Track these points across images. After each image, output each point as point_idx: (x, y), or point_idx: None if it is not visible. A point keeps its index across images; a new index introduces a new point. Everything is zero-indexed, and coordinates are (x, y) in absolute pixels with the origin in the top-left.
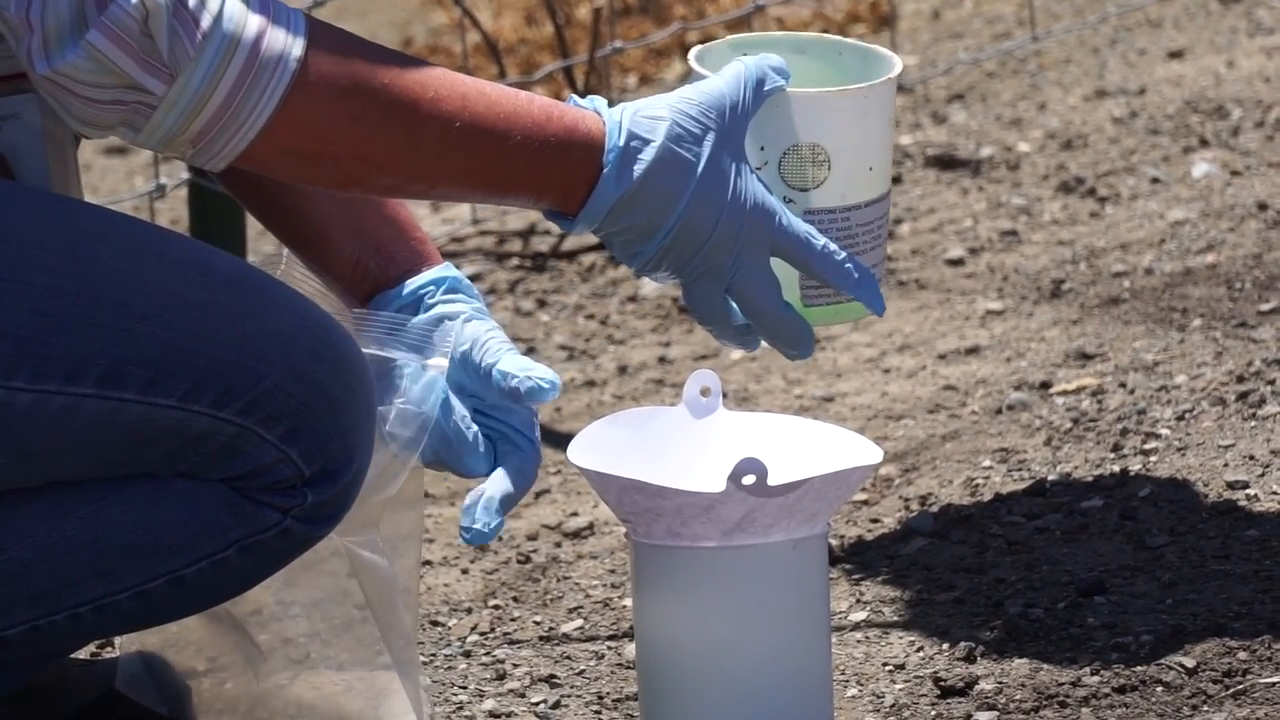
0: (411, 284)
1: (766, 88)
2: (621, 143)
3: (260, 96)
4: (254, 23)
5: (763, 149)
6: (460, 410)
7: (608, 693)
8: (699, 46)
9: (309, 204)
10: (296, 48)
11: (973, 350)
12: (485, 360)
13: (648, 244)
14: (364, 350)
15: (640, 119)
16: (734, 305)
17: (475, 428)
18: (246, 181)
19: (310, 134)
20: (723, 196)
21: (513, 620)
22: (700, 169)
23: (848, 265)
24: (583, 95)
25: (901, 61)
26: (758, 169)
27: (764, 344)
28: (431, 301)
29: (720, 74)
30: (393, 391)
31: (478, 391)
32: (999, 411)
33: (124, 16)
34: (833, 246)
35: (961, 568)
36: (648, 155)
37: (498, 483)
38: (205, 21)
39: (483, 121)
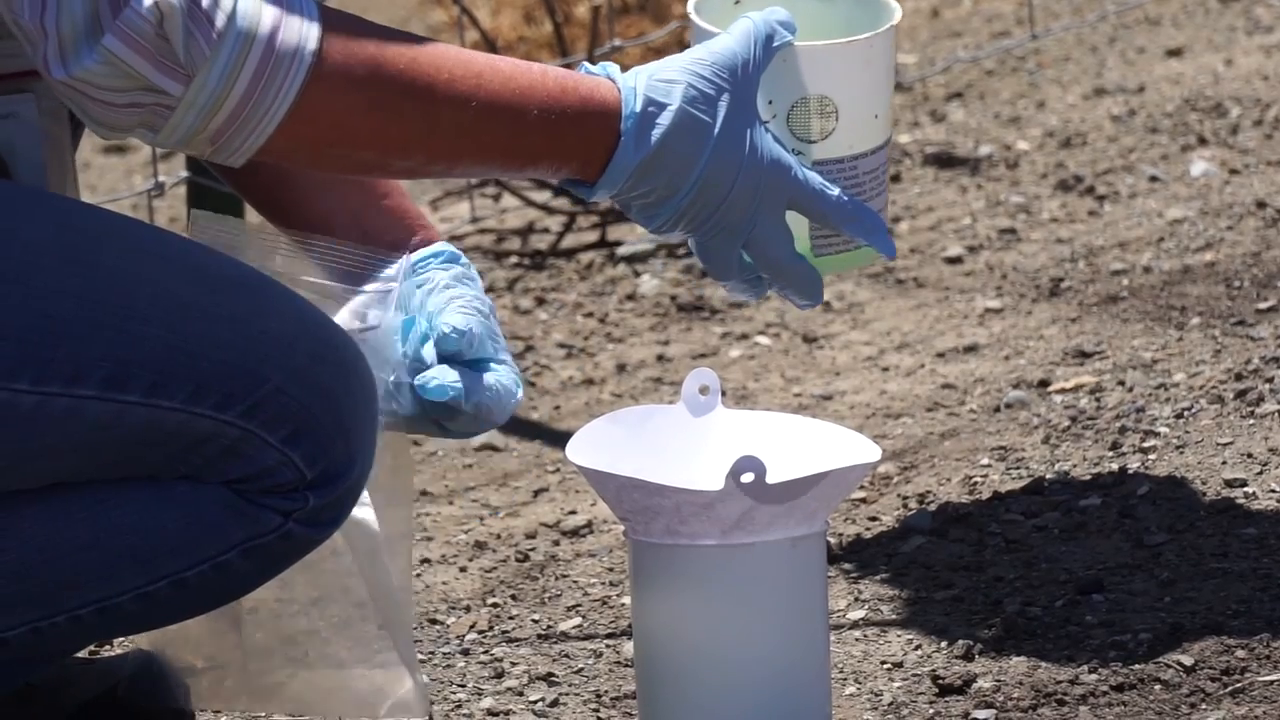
0: (409, 259)
1: (775, 43)
2: (638, 109)
3: (277, 91)
4: (268, 18)
5: (770, 103)
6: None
7: (606, 691)
8: None
9: (310, 197)
10: (311, 40)
11: (971, 348)
12: (438, 322)
13: (665, 206)
14: (307, 278)
15: (655, 83)
16: (747, 258)
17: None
18: (248, 177)
19: (328, 125)
20: (739, 155)
21: (511, 618)
22: (717, 129)
23: (861, 213)
24: None
25: (898, 4)
26: (765, 123)
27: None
28: (427, 273)
29: (729, 32)
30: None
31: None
32: (997, 410)
33: (139, 20)
34: (846, 196)
35: (960, 566)
36: (665, 119)
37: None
38: (220, 20)
39: (499, 99)
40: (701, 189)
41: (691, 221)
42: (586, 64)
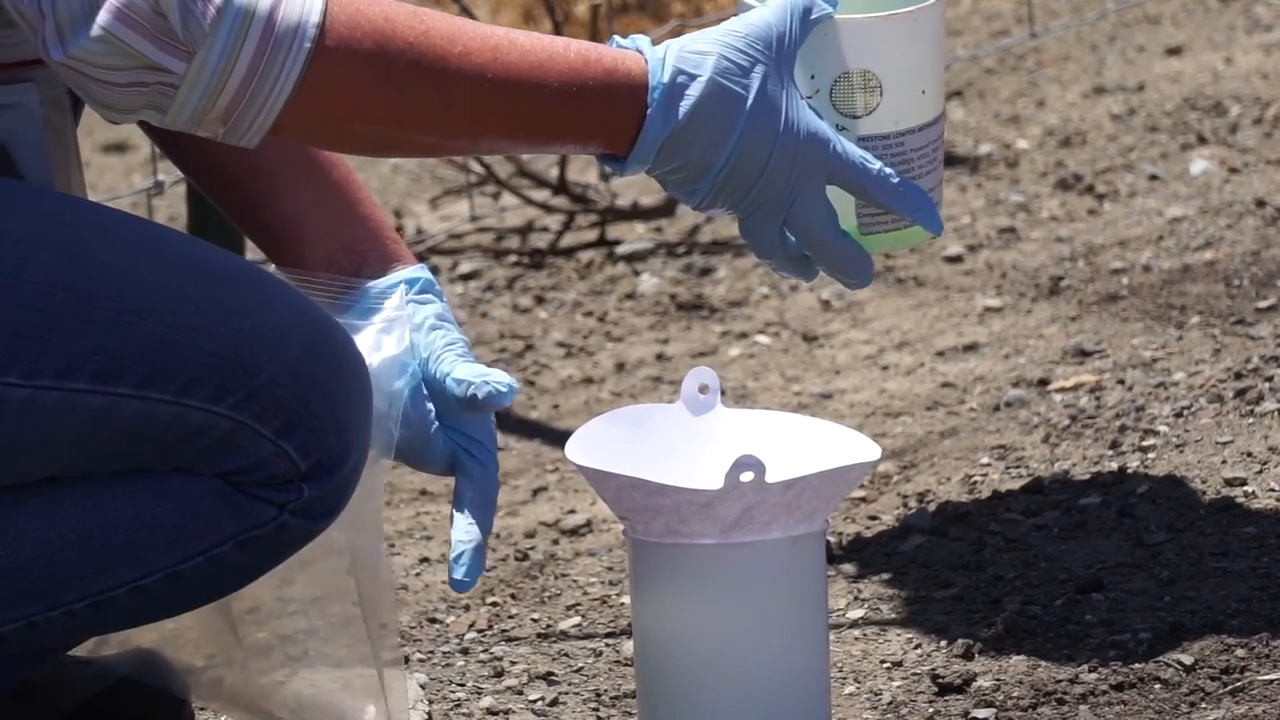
0: (383, 282)
1: (814, 16)
2: (666, 80)
3: (282, 67)
4: None
5: (813, 77)
6: (426, 405)
7: (605, 690)
8: None
9: (280, 201)
10: (314, 14)
11: (971, 347)
12: (440, 370)
13: (702, 180)
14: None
15: (686, 54)
16: (791, 237)
17: (436, 423)
18: (218, 180)
19: (339, 100)
20: (775, 128)
21: (510, 618)
22: (750, 101)
23: (904, 189)
24: None
25: None
26: (809, 98)
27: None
28: (400, 302)
29: (766, 4)
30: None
31: (435, 404)
32: (997, 409)
33: None
34: (888, 170)
35: (959, 565)
36: (695, 90)
37: (471, 531)
38: None
39: (516, 72)
40: (737, 162)
41: (730, 197)
42: (617, 37)
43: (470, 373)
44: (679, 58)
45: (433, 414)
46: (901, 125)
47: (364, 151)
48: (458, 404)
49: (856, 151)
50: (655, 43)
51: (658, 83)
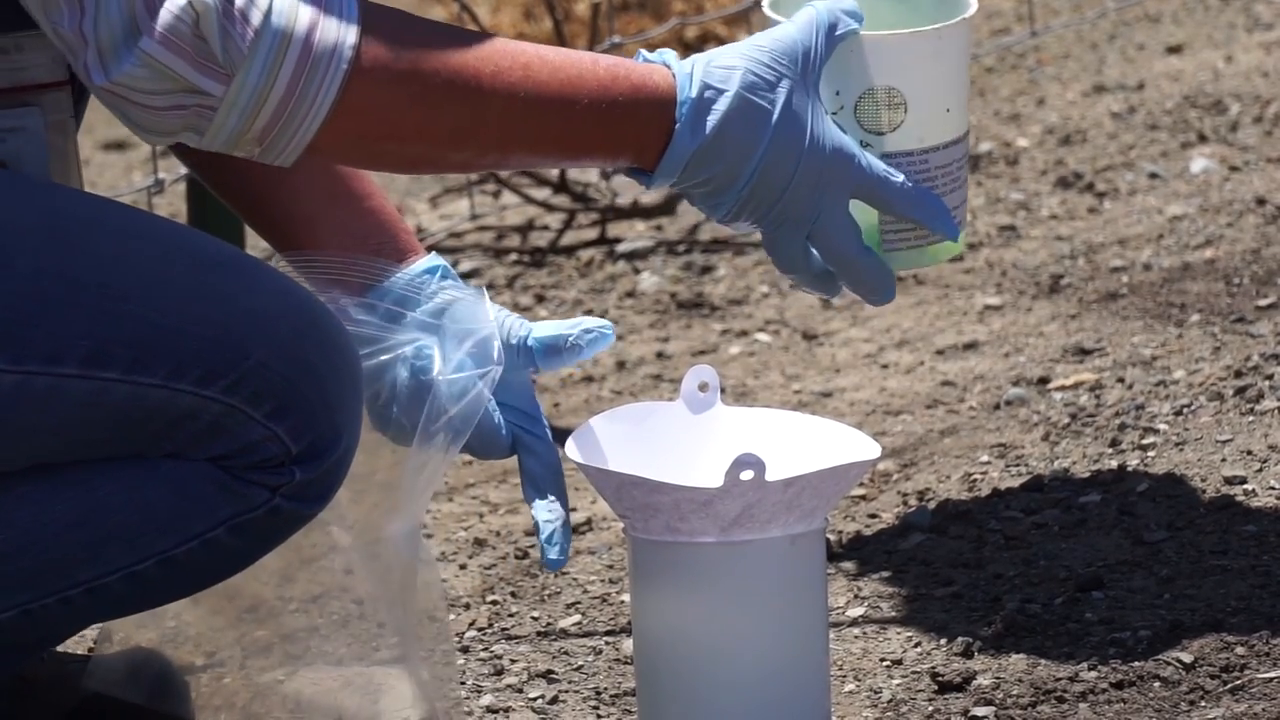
0: (407, 273)
1: (839, 32)
2: (694, 94)
3: (319, 89)
4: (305, 15)
5: (838, 93)
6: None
7: (605, 688)
8: None
9: (293, 201)
10: (350, 36)
11: (971, 346)
12: (514, 335)
13: (727, 194)
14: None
15: (713, 69)
16: (814, 253)
17: (498, 410)
18: (231, 180)
19: (373, 120)
20: (800, 142)
21: (510, 616)
22: (776, 116)
23: (927, 200)
24: None
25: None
26: (833, 113)
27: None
28: (432, 290)
29: (793, 20)
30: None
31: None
32: (997, 407)
33: (175, 21)
34: (911, 182)
35: (959, 563)
36: (722, 105)
37: (555, 510)
38: (255, 19)
39: (547, 90)
40: (762, 176)
41: (755, 211)
42: (644, 52)
43: (555, 329)
44: (706, 72)
45: (493, 402)
46: (926, 143)
47: (397, 169)
48: (541, 359)
49: (880, 165)
50: (655, 41)
51: (685, 97)
